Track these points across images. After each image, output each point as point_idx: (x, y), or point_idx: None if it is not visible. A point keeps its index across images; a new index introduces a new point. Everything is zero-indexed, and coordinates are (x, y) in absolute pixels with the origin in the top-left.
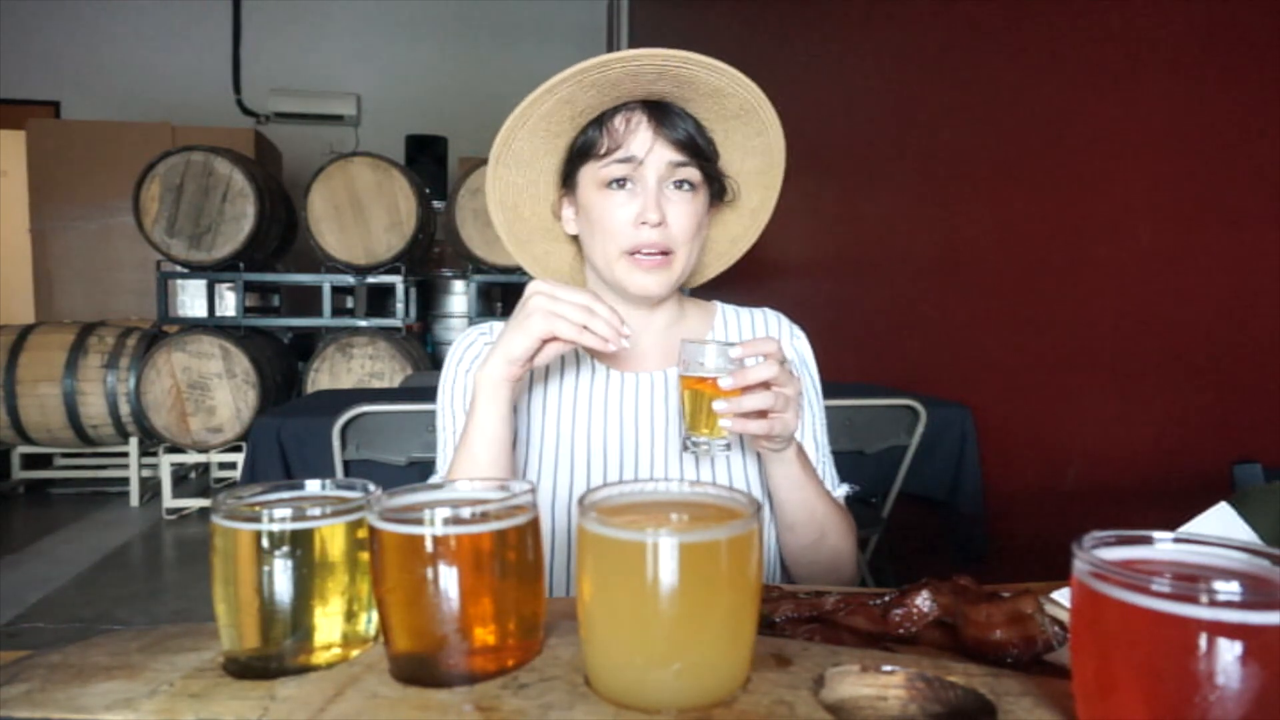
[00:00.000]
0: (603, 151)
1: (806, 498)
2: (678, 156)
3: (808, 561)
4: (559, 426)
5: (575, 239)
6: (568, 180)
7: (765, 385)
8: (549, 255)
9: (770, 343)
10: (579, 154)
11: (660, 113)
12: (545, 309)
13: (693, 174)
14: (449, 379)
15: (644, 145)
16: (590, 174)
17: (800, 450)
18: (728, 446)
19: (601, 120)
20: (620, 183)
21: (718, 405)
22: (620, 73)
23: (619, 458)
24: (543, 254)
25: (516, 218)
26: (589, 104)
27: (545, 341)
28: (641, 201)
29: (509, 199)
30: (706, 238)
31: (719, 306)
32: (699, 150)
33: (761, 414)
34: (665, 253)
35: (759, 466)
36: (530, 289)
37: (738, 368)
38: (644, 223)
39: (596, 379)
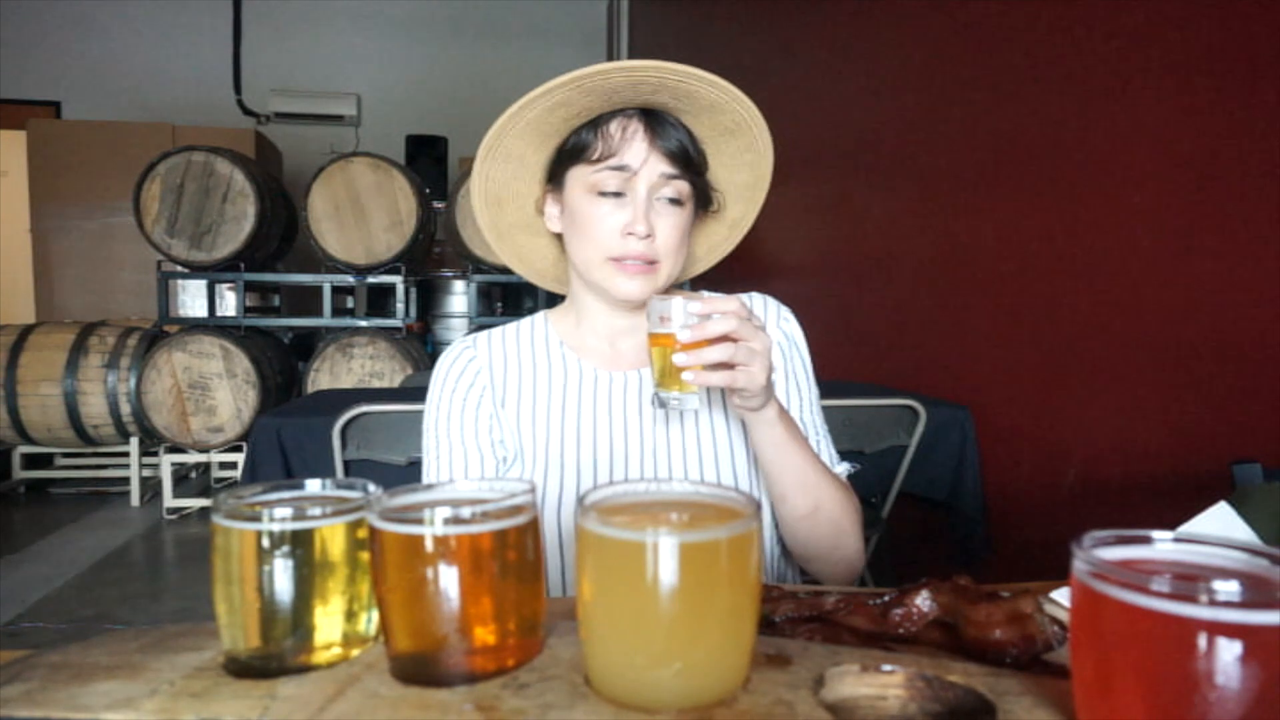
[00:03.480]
0: (595, 156)
1: (795, 463)
2: (670, 169)
3: (805, 536)
4: (548, 428)
5: (558, 235)
6: (554, 177)
7: (729, 340)
8: (530, 250)
9: (732, 300)
10: (569, 154)
11: (656, 122)
12: None
13: (683, 187)
14: (436, 398)
15: (639, 156)
16: (580, 177)
17: (783, 412)
18: (697, 403)
19: (596, 124)
20: (611, 190)
21: (678, 358)
22: (621, 81)
23: (608, 458)
24: (520, 247)
25: (499, 210)
26: (586, 108)
27: None
28: (631, 212)
29: (494, 192)
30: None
31: (705, 295)
32: (690, 162)
33: (728, 367)
34: (651, 262)
35: (744, 434)
36: None
37: (700, 322)
38: (631, 234)
39: (585, 380)
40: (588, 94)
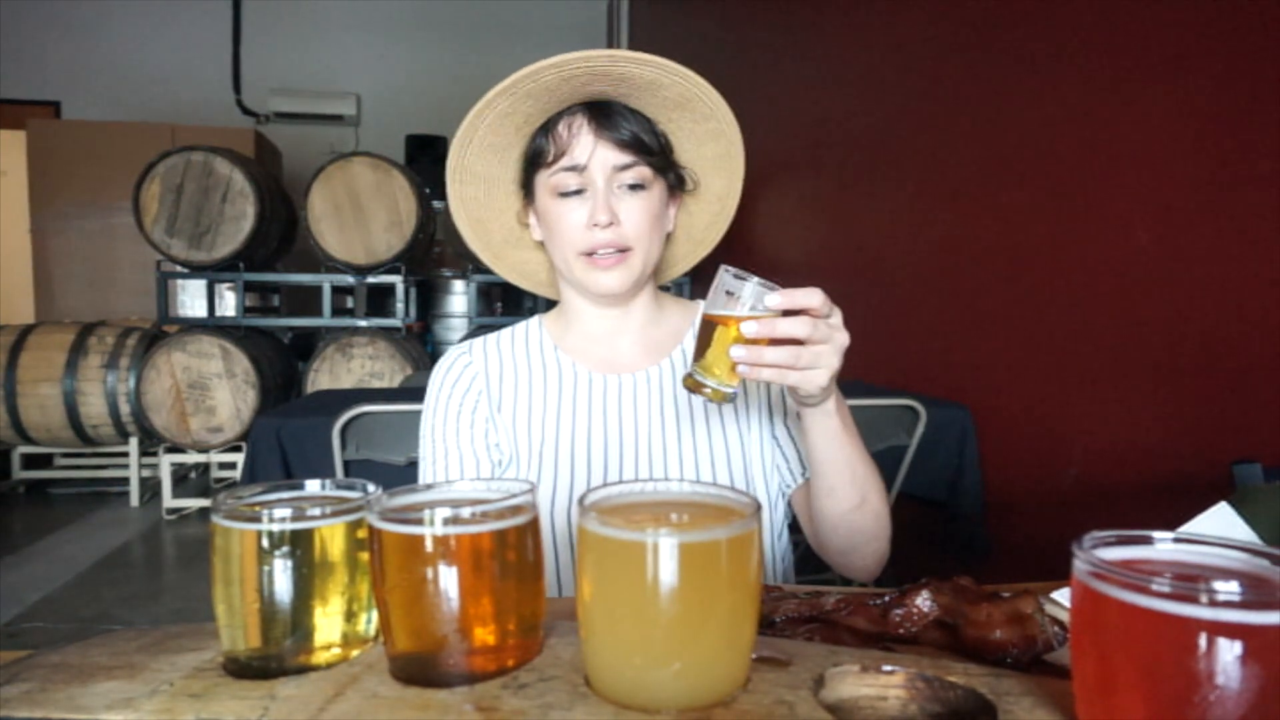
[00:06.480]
0: (550, 159)
1: (847, 457)
2: (623, 158)
3: (850, 530)
4: (543, 431)
5: (543, 244)
6: (526, 189)
7: (797, 343)
8: (525, 264)
9: (815, 295)
10: (530, 162)
11: (602, 114)
12: None
13: (641, 172)
14: (432, 403)
15: (586, 150)
16: (543, 182)
17: (841, 403)
18: (733, 397)
19: (547, 127)
20: (571, 190)
21: (735, 353)
22: (555, 79)
23: (603, 460)
24: (519, 263)
25: (484, 231)
26: (530, 113)
27: None
28: (591, 204)
29: (474, 214)
30: (677, 227)
31: (701, 305)
32: (644, 147)
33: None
34: (622, 250)
35: (742, 431)
36: None
37: (770, 314)
38: (595, 224)
39: (580, 383)
40: (527, 98)
